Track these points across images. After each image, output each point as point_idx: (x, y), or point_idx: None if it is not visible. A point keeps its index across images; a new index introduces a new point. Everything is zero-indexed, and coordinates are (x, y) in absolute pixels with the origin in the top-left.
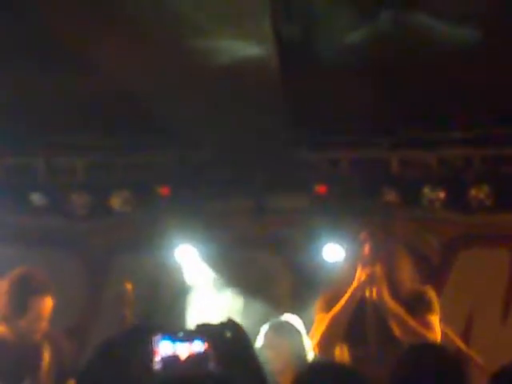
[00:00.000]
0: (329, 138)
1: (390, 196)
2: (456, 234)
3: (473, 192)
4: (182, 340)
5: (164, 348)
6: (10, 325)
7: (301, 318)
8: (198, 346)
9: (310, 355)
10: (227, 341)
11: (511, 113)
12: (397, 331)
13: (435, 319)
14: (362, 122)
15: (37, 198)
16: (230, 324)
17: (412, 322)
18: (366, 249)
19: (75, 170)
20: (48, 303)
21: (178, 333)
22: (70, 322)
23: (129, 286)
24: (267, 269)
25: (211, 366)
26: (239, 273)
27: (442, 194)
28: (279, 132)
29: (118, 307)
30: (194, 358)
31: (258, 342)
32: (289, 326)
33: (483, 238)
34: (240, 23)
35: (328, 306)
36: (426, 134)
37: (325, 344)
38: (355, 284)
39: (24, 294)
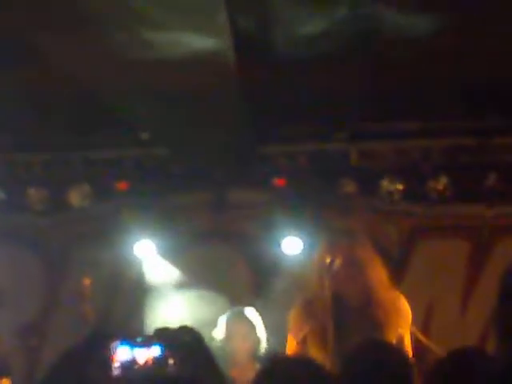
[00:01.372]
0: (286, 130)
1: (349, 188)
2: (415, 225)
3: (431, 183)
4: (140, 345)
5: (122, 354)
6: None
7: (260, 310)
8: (157, 351)
9: (264, 346)
10: (185, 344)
11: (469, 103)
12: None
13: (407, 335)
14: (320, 115)
15: None
16: (188, 328)
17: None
18: (336, 262)
19: (33, 165)
20: None
21: (136, 338)
22: (29, 317)
23: (87, 282)
24: (227, 262)
25: (170, 369)
26: (198, 267)
27: (400, 186)
28: (237, 126)
29: (77, 302)
30: (152, 363)
31: (217, 333)
32: (244, 317)
33: (442, 229)
34: (195, 15)
35: (303, 319)
36: (383, 126)
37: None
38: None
39: None
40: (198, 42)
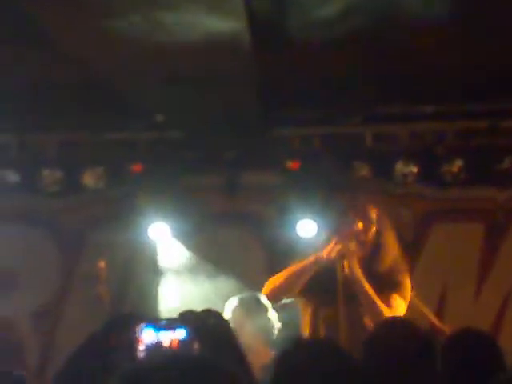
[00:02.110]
0: (301, 113)
1: (363, 171)
2: (429, 208)
3: (445, 166)
4: (165, 328)
5: (148, 336)
6: None
7: None
8: (181, 334)
9: (277, 330)
10: (210, 328)
11: (483, 87)
12: (363, 305)
13: (400, 302)
14: (335, 97)
15: (10, 175)
16: (212, 312)
17: (375, 299)
18: (359, 224)
19: (47, 147)
20: None
21: (161, 321)
22: (44, 299)
23: (102, 264)
24: (240, 245)
25: (195, 352)
26: (212, 249)
27: (414, 169)
28: (251, 108)
29: (92, 285)
30: (177, 345)
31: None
32: (256, 302)
33: (456, 212)
34: None
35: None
36: (398, 109)
37: (277, 294)
38: (325, 253)
39: None
40: (213, 24)
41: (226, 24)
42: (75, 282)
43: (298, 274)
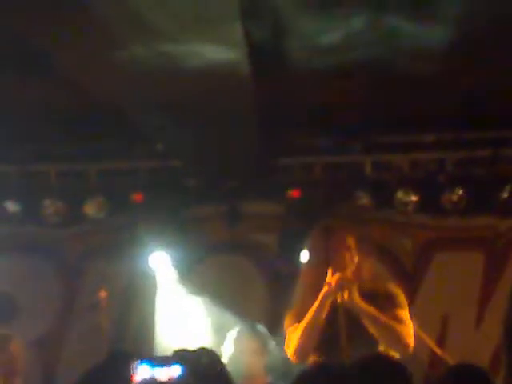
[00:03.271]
0: (302, 142)
1: (364, 199)
2: (430, 237)
3: (446, 195)
4: (160, 364)
5: (143, 372)
6: None
7: (275, 322)
8: (176, 371)
9: (276, 359)
10: (204, 366)
11: (484, 116)
12: (370, 329)
13: (404, 313)
14: (335, 126)
15: (11, 205)
16: (207, 350)
17: (384, 319)
18: (337, 254)
19: (49, 176)
20: None
21: (155, 358)
22: (44, 328)
23: (103, 294)
24: (241, 274)
25: None
26: (213, 278)
27: (415, 198)
28: (252, 137)
29: (93, 314)
30: (172, 382)
31: (227, 348)
32: (257, 331)
33: (457, 241)
34: (210, 27)
35: (297, 319)
36: (399, 138)
37: (301, 352)
38: (325, 289)
39: None
40: (213, 53)
41: (225, 53)
42: (76, 311)
43: (313, 327)
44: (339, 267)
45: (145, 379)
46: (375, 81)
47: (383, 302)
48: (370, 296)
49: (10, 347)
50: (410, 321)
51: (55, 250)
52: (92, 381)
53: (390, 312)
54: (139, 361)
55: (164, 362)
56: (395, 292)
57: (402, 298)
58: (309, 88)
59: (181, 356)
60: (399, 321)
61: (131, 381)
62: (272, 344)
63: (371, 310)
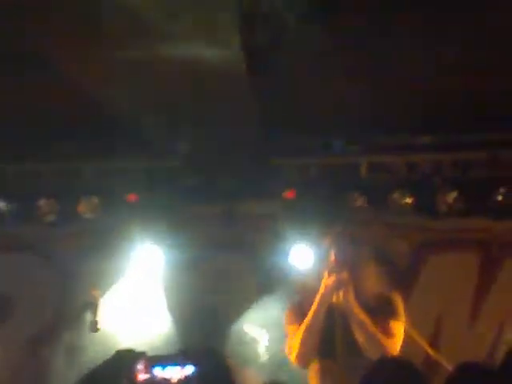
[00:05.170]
0: (297, 143)
1: (359, 201)
2: (424, 238)
3: (441, 197)
4: (173, 364)
5: (156, 372)
6: None
7: (264, 319)
8: (188, 370)
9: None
10: (211, 366)
11: (480, 118)
12: (357, 335)
13: (398, 326)
14: (331, 127)
15: (4, 205)
16: (213, 350)
17: (373, 329)
18: (332, 255)
19: (43, 176)
20: None
21: (163, 357)
22: (39, 328)
23: (97, 293)
24: (236, 274)
25: None
26: (208, 278)
27: (410, 199)
28: (248, 138)
29: (87, 314)
30: (178, 382)
31: None
32: (247, 334)
33: (452, 242)
34: (208, 29)
35: (297, 316)
36: (394, 139)
37: (304, 355)
38: (322, 290)
39: None
40: (211, 54)
41: (223, 54)
42: (70, 309)
43: (313, 329)
44: (336, 269)
45: (155, 378)
46: (372, 83)
47: (379, 310)
48: (367, 302)
49: None
50: (401, 333)
51: (50, 250)
52: (97, 379)
53: (382, 322)
54: (152, 360)
55: (176, 361)
56: (394, 302)
57: (399, 308)
58: (305, 89)
59: (188, 356)
60: (388, 333)
61: (136, 379)
62: (264, 344)
63: (362, 316)
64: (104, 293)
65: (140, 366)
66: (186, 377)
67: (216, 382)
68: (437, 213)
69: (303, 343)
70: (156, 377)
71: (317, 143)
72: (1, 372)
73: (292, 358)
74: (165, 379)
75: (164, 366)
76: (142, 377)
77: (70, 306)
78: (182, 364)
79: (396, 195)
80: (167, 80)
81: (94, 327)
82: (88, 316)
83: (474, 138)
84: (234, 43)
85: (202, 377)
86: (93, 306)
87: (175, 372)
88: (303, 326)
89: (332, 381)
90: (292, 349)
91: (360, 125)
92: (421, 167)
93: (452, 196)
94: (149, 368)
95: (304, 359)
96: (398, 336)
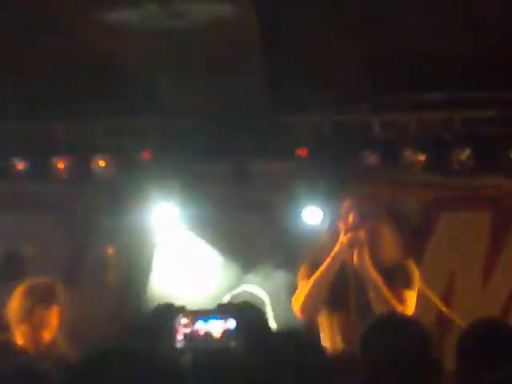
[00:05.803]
0: (310, 101)
1: (371, 159)
2: (437, 196)
3: (453, 154)
4: (216, 317)
5: (197, 325)
6: (16, 329)
7: (275, 279)
8: (231, 324)
9: (273, 326)
10: (249, 320)
11: (492, 75)
12: (372, 297)
13: (411, 294)
14: (343, 85)
15: (18, 162)
16: (251, 304)
17: (387, 293)
18: (351, 216)
19: (56, 134)
20: (53, 313)
21: (203, 311)
22: None
23: (110, 251)
24: (248, 232)
25: (232, 343)
26: (220, 236)
27: (422, 157)
28: (260, 96)
29: (100, 271)
30: (216, 336)
31: None
32: (253, 295)
33: (464, 200)
34: None
35: (310, 273)
36: (406, 97)
37: (308, 308)
38: (337, 248)
39: (30, 302)
40: (222, 8)
41: (234, 7)
42: (84, 268)
43: (321, 284)
44: (351, 228)
45: (187, 333)
46: (384, 40)
47: (395, 277)
48: (382, 266)
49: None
50: (414, 302)
51: (63, 208)
52: (138, 333)
53: (396, 289)
54: (186, 313)
55: (218, 315)
56: (409, 269)
57: (414, 276)
58: (318, 45)
59: (226, 310)
60: (400, 300)
61: (177, 333)
62: (269, 307)
63: (377, 279)
64: (117, 250)
65: (183, 320)
66: (227, 329)
67: (255, 335)
68: (449, 170)
69: (309, 296)
70: (198, 330)
71: (329, 102)
72: None
73: (295, 308)
74: (207, 333)
75: (206, 320)
76: (184, 330)
77: (83, 265)
78: (224, 318)
79: (408, 153)
80: (179, 37)
81: (107, 285)
82: (101, 273)
83: (486, 95)
84: None
85: (242, 330)
86: (106, 264)
87: (217, 325)
88: (311, 280)
89: (344, 333)
90: (297, 299)
91: (372, 83)
92: (433, 125)
93: (465, 154)
94: (192, 322)
95: (306, 311)
96: (410, 304)
